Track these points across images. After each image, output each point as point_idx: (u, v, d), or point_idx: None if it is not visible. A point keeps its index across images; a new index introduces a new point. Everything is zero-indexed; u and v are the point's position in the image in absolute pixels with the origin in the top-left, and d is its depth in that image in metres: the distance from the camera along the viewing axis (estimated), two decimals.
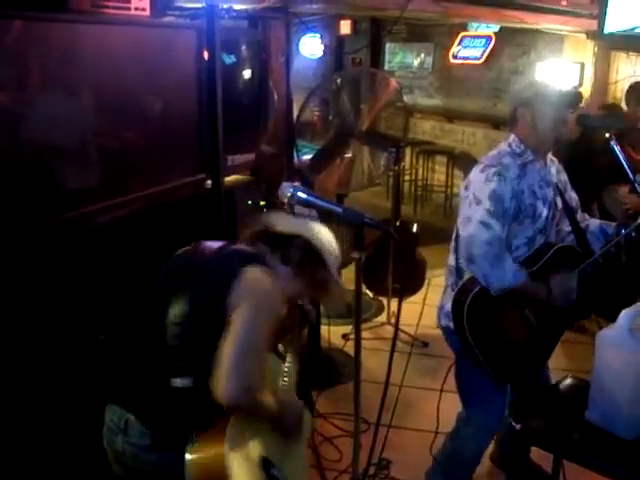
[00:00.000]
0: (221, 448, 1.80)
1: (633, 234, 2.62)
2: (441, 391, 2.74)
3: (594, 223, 2.83)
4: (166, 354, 1.89)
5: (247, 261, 1.89)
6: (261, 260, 1.93)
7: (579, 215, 2.84)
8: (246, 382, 1.73)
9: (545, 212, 2.66)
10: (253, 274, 1.86)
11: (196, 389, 1.86)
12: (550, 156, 2.75)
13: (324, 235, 2.09)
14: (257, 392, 1.81)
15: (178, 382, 1.86)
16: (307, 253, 2.01)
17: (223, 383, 1.71)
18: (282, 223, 2.02)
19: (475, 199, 2.51)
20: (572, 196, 2.84)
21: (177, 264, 2.01)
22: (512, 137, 2.66)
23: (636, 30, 5.31)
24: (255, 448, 1.92)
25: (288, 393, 2.20)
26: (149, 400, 1.92)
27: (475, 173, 2.59)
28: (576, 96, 2.73)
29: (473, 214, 2.49)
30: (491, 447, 3.16)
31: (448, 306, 2.62)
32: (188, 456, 1.81)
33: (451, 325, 2.60)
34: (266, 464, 1.93)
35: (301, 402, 2.19)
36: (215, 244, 2.01)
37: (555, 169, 2.77)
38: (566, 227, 2.83)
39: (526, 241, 2.64)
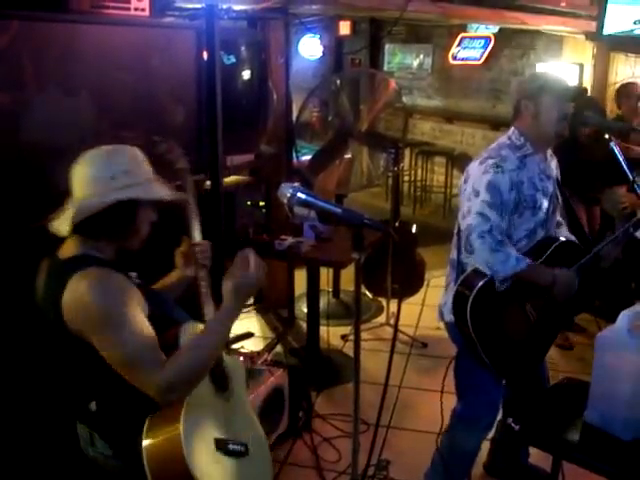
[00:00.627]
0: (177, 429, 1.78)
1: (631, 230, 2.62)
2: (442, 392, 2.73)
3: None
4: (66, 379, 1.95)
5: (75, 267, 1.82)
6: (89, 261, 1.85)
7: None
8: (165, 382, 1.72)
9: (546, 204, 2.66)
10: (81, 278, 1.78)
11: (105, 408, 1.90)
12: (550, 151, 2.75)
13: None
14: (179, 370, 1.76)
15: (92, 406, 1.91)
16: (120, 213, 1.87)
17: (155, 397, 1.74)
18: (80, 209, 1.85)
19: (474, 191, 2.52)
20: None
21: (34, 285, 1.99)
22: (512, 129, 2.65)
23: (635, 31, 5.32)
24: (206, 428, 1.91)
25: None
26: (94, 417, 1.94)
27: (474, 166, 2.60)
28: (581, 90, 2.72)
29: (472, 206, 2.50)
30: (485, 457, 3.17)
31: (451, 301, 2.62)
32: (144, 442, 1.79)
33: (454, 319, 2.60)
34: (221, 443, 1.93)
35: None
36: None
37: (554, 163, 2.78)
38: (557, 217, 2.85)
39: (527, 233, 2.64)
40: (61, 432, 2.36)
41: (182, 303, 2.18)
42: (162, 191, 1.95)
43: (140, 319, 1.81)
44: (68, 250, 1.90)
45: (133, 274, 1.99)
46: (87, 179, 1.86)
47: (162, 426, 1.82)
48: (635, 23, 5.38)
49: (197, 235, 2.23)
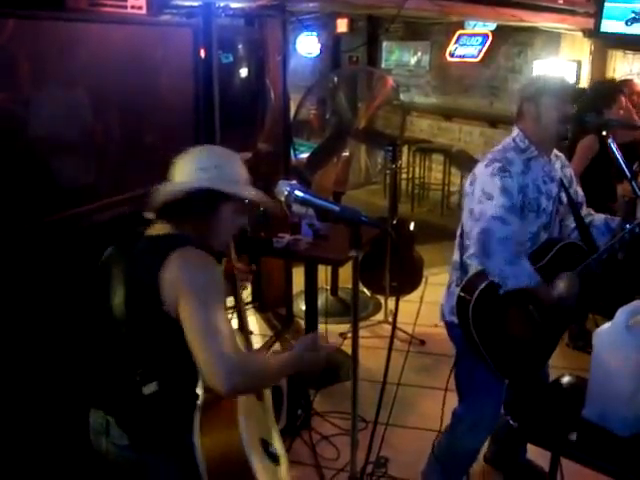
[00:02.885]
0: (236, 431, 1.81)
1: (637, 230, 2.61)
2: (445, 390, 2.74)
3: (599, 218, 2.83)
4: (130, 359, 1.92)
5: (174, 244, 1.85)
6: (186, 240, 1.88)
7: (584, 210, 2.84)
8: (232, 365, 1.71)
9: (549, 207, 2.66)
10: (181, 255, 1.82)
11: (163, 391, 1.89)
12: (555, 151, 2.75)
13: (193, 168, 1.96)
14: (248, 366, 1.79)
15: (146, 389, 1.88)
16: (202, 201, 1.92)
17: (214, 379, 1.70)
18: (161, 193, 1.92)
19: (485, 194, 2.50)
20: (578, 191, 2.84)
21: (111, 260, 1.99)
22: (516, 132, 2.65)
23: (632, 28, 5.32)
24: (254, 429, 1.95)
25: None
26: (124, 405, 1.94)
27: (480, 168, 2.59)
28: (581, 91, 2.72)
29: (486, 209, 2.47)
30: (485, 447, 3.16)
31: (453, 301, 2.62)
32: (198, 441, 1.80)
33: (455, 320, 2.60)
34: (265, 444, 1.98)
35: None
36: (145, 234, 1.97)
37: (560, 164, 2.77)
38: (571, 223, 2.82)
39: (530, 236, 2.64)
40: (66, 430, 2.38)
41: None
42: (248, 191, 1.98)
43: (225, 308, 1.85)
44: (160, 230, 1.94)
45: None
46: (181, 168, 1.96)
47: (219, 424, 1.84)
48: (632, 20, 5.38)
49: (234, 257, 2.28)
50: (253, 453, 1.84)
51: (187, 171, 1.93)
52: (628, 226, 2.64)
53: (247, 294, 5.11)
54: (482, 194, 2.51)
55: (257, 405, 2.09)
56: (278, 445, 2.15)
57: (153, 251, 1.86)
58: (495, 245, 2.43)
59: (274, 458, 2.02)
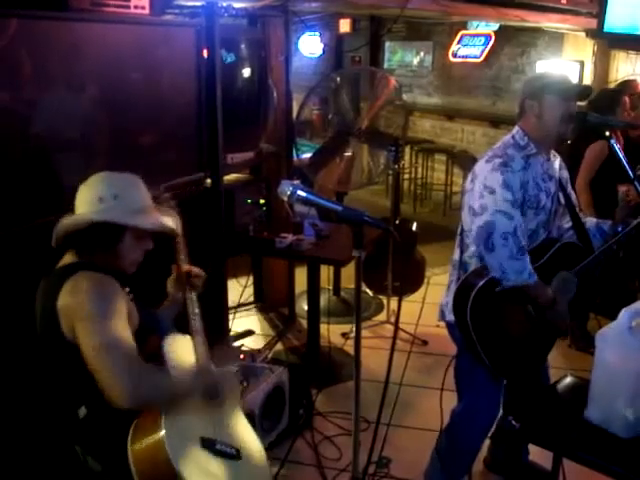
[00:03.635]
0: (158, 433, 1.82)
1: (634, 231, 2.61)
2: (442, 389, 2.73)
3: (590, 221, 2.83)
4: (58, 385, 1.98)
5: (70, 272, 1.92)
6: (84, 266, 1.95)
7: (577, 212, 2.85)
8: (131, 380, 1.77)
9: (548, 204, 2.66)
10: (72, 282, 1.89)
11: (94, 413, 1.93)
12: (553, 152, 2.75)
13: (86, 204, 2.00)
14: (147, 381, 1.83)
15: (80, 412, 1.95)
16: (102, 233, 1.97)
17: (114, 394, 1.77)
18: (62, 226, 1.98)
19: (487, 188, 2.47)
20: (572, 193, 2.84)
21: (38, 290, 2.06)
22: (516, 129, 2.64)
23: (635, 29, 5.31)
24: (192, 429, 1.95)
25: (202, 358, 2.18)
26: (72, 431, 1.99)
27: (480, 165, 2.58)
28: (585, 90, 2.69)
29: (488, 203, 2.45)
30: (484, 452, 3.17)
31: (452, 301, 2.61)
32: (129, 449, 1.83)
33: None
34: (207, 443, 1.96)
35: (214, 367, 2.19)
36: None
37: (557, 164, 2.77)
38: (566, 223, 2.82)
39: (529, 234, 2.63)
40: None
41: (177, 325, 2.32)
42: (148, 221, 2.01)
43: (123, 324, 1.89)
44: (67, 260, 2.01)
45: (126, 289, 2.06)
46: (81, 198, 2.00)
47: (145, 430, 1.86)
48: (636, 20, 5.37)
49: (184, 263, 2.34)
50: (183, 453, 1.84)
51: (87, 201, 1.97)
52: (620, 229, 2.64)
53: (250, 294, 5.12)
54: (484, 188, 2.49)
55: (203, 403, 2.07)
56: (241, 440, 2.12)
57: (52, 282, 1.94)
58: (498, 239, 2.42)
59: (225, 455, 1.99)
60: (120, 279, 2.00)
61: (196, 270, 2.35)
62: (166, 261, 2.33)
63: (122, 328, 1.87)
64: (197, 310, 2.27)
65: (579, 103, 2.69)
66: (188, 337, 2.18)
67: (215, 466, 1.94)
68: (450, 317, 2.67)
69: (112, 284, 1.93)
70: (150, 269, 2.12)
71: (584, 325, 4.40)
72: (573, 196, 2.85)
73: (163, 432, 1.83)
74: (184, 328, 2.22)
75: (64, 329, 1.86)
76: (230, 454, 2.01)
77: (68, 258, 2.01)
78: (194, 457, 1.88)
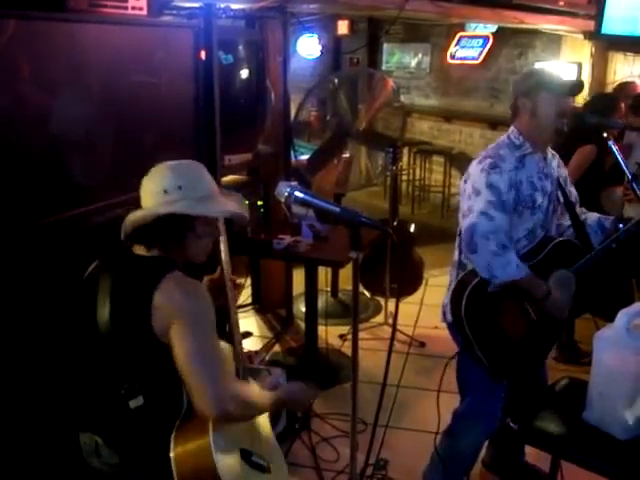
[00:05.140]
0: (205, 440, 1.82)
1: (633, 229, 2.61)
2: (439, 391, 2.73)
3: (592, 217, 2.83)
4: (115, 373, 1.93)
5: (165, 267, 1.89)
6: (174, 264, 1.93)
7: (577, 209, 2.84)
8: (224, 394, 1.78)
9: (545, 204, 2.66)
10: (174, 280, 1.86)
11: (148, 405, 1.90)
12: (551, 151, 2.75)
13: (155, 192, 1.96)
14: (238, 397, 1.84)
15: (132, 403, 1.90)
16: (170, 225, 1.93)
17: (201, 401, 1.77)
18: (130, 221, 1.95)
19: (474, 190, 2.50)
20: (572, 191, 2.84)
21: (97, 273, 2.01)
22: (511, 129, 2.64)
23: (633, 31, 5.32)
24: (233, 439, 1.95)
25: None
26: (110, 421, 1.95)
27: (473, 165, 2.59)
28: (578, 85, 2.69)
29: (473, 205, 2.48)
30: (483, 451, 3.16)
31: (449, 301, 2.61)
32: (172, 452, 1.82)
33: None
34: (245, 454, 1.96)
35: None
36: (132, 253, 2.00)
37: (556, 163, 2.77)
38: (566, 221, 2.82)
39: (526, 233, 2.63)
40: (62, 444, 2.37)
41: None
42: (216, 208, 1.98)
43: (216, 335, 1.89)
44: (144, 251, 1.96)
45: None
46: (146, 192, 1.96)
47: (191, 435, 1.85)
48: (633, 22, 5.38)
49: (228, 269, 2.30)
50: (226, 462, 1.84)
51: (152, 194, 1.94)
52: (622, 226, 2.64)
53: (247, 295, 5.12)
54: (472, 190, 2.52)
55: None
56: (269, 453, 2.13)
57: (143, 271, 1.90)
58: (479, 240, 2.43)
59: (259, 467, 2.00)
60: (192, 274, 1.98)
61: (236, 279, 2.34)
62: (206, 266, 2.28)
63: (217, 340, 1.88)
64: (237, 316, 2.27)
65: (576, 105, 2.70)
66: (223, 343, 2.19)
67: (250, 476, 1.95)
68: (450, 317, 2.67)
69: (207, 293, 1.92)
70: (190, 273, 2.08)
71: (571, 334, 4.37)
72: (574, 194, 2.85)
73: (210, 438, 1.82)
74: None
75: (156, 322, 1.81)
76: (262, 467, 2.02)
77: (143, 250, 1.96)
78: (235, 467, 1.89)
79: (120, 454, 1.92)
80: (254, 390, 2.04)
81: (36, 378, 2.44)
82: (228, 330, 2.25)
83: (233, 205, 2.06)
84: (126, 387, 1.90)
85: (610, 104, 4.26)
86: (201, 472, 1.80)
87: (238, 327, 2.26)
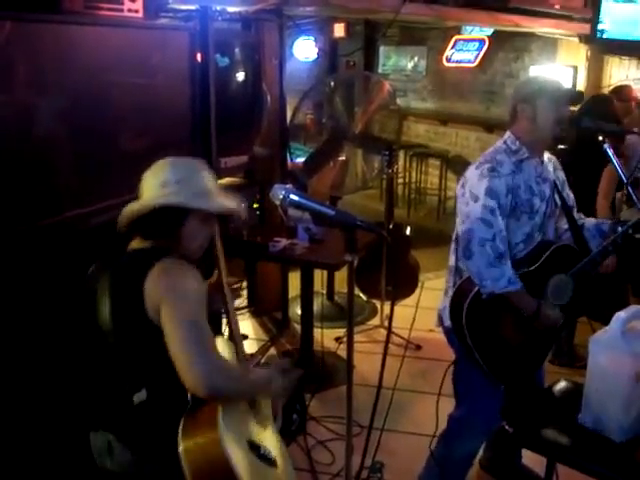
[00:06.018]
0: (215, 433, 1.80)
1: (630, 232, 2.61)
2: (439, 395, 2.73)
3: (590, 221, 2.84)
4: (118, 368, 1.94)
5: (156, 255, 1.91)
6: (166, 252, 1.94)
7: (575, 214, 2.85)
8: (212, 365, 1.76)
9: (543, 208, 2.66)
10: (162, 265, 1.87)
11: (153, 399, 1.90)
12: (548, 154, 2.75)
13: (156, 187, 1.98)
14: (227, 370, 1.85)
15: (136, 398, 1.90)
16: (166, 217, 1.95)
17: (190, 378, 1.73)
18: (126, 212, 1.98)
19: (472, 196, 2.51)
20: (569, 194, 2.85)
21: (96, 274, 2.04)
22: (508, 134, 2.65)
23: (629, 34, 5.33)
24: (241, 431, 1.95)
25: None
26: (118, 416, 1.95)
27: (471, 170, 2.60)
28: (577, 94, 2.72)
29: (471, 211, 2.48)
30: (480, 453, 3.16)
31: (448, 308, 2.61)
32: (180, 447, 1.80)
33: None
34: (253, 446, 1.96)
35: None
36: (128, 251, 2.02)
37: (552, 166, 2.77)
38: (563, 225, 2.83)
39: (524, 238, 2.64)
40: (73, 446, 2.36)
41: None
42: (213, 203, 2.00)
43: (206, 315, 1.88)
44: (139, 244, 2.00)
45: None
46: (145, 185, 1.99)
47: (199, 428, 1.83)
48: (629, 26, 5.40)
49: (225, 271, 2.30)
50: (237, 454, 1.83)
51: (151, 187, 1.97)
52: (620, 228, 2.64)
53: (243, 298, 5.11)
54: (470, 195, 2.52)
55: (247, 412, 2.08)
56: (275, 449, 2.13)
57: (135, 263, 1.93)
58: (475, 246, 2.44)
59: (267, 461, 2.00)
60: None
61: (232, 284, 2.37)
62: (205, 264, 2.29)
63: (206, 322, 1.86)
64: (236, 317, 2.28)
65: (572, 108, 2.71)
66: (222, 339, 2.22)
67: (259, 467, 1.95)
68: (448, 323, 2.67)
69: (196, 274, 1.92)
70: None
71: (571, 339, 4.37)
72: (571, 197, 2.86)
73: (220, 431, 1.81)
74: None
75: (149, 308, 1.83)
76: (271, 460, 2.02)
77: (140, 243, 1.99)
78: (245, 460, 1.88)
79: (132, 449, 1.91)
80: (241, 367, 2.04)
81: (40, 380, 2.43)
82: (228, 331, 2.25)
83: (230, 202, 2.07)
84: (129, 381, 1.91)
85: (604, 109, 4.26)
86: (213, 465, 1.78)
87: (238, 328, 2.25)
